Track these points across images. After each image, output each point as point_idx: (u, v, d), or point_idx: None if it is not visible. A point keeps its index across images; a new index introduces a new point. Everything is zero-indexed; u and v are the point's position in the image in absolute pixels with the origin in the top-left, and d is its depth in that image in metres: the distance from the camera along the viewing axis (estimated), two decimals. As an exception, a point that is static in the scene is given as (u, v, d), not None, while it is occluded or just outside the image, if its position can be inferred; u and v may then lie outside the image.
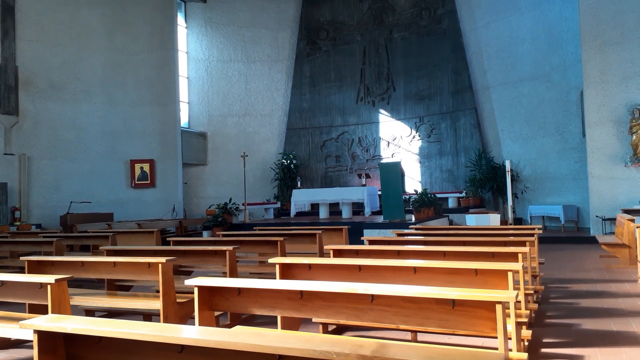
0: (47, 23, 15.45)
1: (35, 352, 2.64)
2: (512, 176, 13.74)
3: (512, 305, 3.27)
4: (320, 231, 8.03)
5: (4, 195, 14.01)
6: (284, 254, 6.71)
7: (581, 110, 13.66)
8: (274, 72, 19.67)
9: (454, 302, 2.88)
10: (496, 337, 2.84)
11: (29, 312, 4.90)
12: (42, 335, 2.65)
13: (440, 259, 4.80)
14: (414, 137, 18.12)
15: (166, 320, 4.56)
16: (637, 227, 7.17)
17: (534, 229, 7.38)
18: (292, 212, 15.84)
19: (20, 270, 7.78)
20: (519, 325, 3.77)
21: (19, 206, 14.33)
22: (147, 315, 5.32)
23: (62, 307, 3.98)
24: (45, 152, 15.26)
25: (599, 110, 12.73)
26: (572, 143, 14.54)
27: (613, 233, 11.40)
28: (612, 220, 12.07)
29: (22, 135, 14.79)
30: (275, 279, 4.30)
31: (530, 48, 15.65)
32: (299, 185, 18.35)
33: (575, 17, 13.53)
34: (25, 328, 2.65)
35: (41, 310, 4.60)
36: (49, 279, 3.97)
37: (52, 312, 3.88)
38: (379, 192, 14.52)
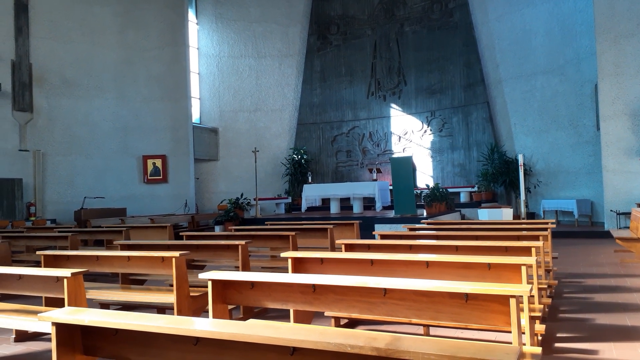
0: (59, 20, 15.60)
1: (53, 344, 2.68)
2: (524, 170, 13.59)
3: (525, 300, 3.25)
4: (331, 226, 8.03)
5: (20, 191, 14.21)
6: (295, 249, 6.72)
7: (595, 104, 13.48)
8: (284, 67, 19.67)
9: (467, 296, 2.87)
10: (509, 331, 2.83)
11: (46, 305, 4.97)
12: (60, 327, 2.69)
13: (452, 254, 4.78)
14: (425, 131, 18.03)
15: (180, 314, 4.61)
16: (653, 222, 7.08)
17: (547, 223, 7.33)
18: (303, 207, 15.88)
19: (37, 264, 7.90)
20: (532, 319, 3.75)
21: (34, 202, 14.53)
22: (161, 309, 5.37)
23: (78, 301, 4.04)
24: (59, 148, 15.45)
25: (613, 103, 12.56)
26: (586, 137, 14.37)
27: (628, 227, 11.26)
28: (627, 214, 11.92)
29: (36, 131, 14.98)
30: (287, 273, 4.32)
31: (543, 41, 15.45)
32: (309, 180, 18.37)
33: (590, 9, 13.34)
34: (44, 320, 2.70)
35: (57, 303, 4.67)
36: (65, 272, 4.03)
37: (69, 305, 3.94)
38: (390, 187, 14.48)
